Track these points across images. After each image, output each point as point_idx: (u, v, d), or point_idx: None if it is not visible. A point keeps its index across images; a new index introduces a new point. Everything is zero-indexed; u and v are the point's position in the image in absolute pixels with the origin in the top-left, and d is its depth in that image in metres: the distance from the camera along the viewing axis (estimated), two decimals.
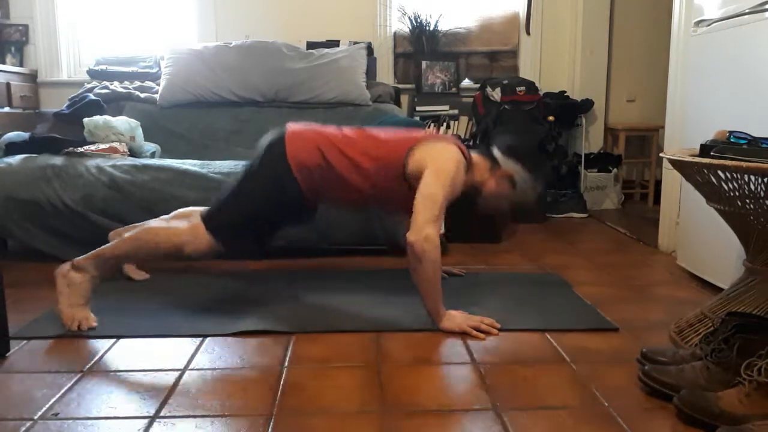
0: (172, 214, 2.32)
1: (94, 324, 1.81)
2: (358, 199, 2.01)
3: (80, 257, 1.85)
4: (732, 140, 1.59)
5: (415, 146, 1.90)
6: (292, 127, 2.01)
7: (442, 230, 2.65)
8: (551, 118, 3.72)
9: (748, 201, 1.51)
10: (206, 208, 2.00)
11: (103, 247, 1.88)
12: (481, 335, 1.75)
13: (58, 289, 1.81)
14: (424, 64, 3.95)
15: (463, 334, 1.76)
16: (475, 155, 2.01)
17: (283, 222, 2.06)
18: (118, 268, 2.08)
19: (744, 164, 1.41)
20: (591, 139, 4.16)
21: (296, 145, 1.93)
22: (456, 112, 3.90)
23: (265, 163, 1.95)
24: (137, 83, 3.62)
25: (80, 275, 1.82)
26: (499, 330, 1.79)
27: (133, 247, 1.88)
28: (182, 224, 1.97)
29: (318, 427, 1.28)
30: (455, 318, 1.80)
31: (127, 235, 1.92)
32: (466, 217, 2.86)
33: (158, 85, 3.56)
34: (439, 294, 1.79)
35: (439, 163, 1.84)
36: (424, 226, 1.74)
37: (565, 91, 4.04)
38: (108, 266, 1.88)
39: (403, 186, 1.91)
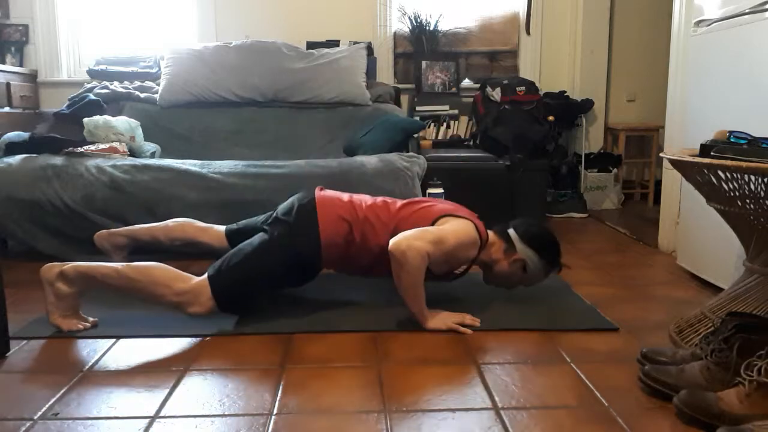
0: (172, 221, 2.25)
1: (94, 320, 1.82)
2: (378, 269, 1.96)
3: (70, 266, 1.76)
4: (732, 140, 1.59)
5: (438, 219, 1.90)
6: (322, 194, 1.97)
7: None
8: (551, 118, 3.72)
9: (748, 201, 1.51)
10: (215, 265, 1.84)
11: (96, 267, 1.78)
12: (468, 330, 1.79)
13: (47, 298, 1.77)
14: (424, 64, 3.95)
15: (454, 333, 1.77)
16: (491, 234, 1.98)
17: (287, 285, 2.03)
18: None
19: (744, 164, 1.41)
20: (591, 139, 4.16)
21: (327, 218, 1.90)
22: (456, 112, 3.90)
23: (292, 231, 1.89)
24: (137, 83, 3.62)
25: (68, 288, 1.77)
26: (500, 330, 1.80)
27: (128, 286, 1.78)
28: (185, 278, 1.81)
29: (318, 427, 1.28)
30: (439, 317, 1.83)
31: (123, 267, 1.79)
32: None
33: (158, 85, 3.56)
34: (422, 297, 1.80)
35: (459, 232, 1.83)
36: (412, 240, 1.74)
37: (565, 91, 4.04)
38: (94, 287, 1.80)
39: None
